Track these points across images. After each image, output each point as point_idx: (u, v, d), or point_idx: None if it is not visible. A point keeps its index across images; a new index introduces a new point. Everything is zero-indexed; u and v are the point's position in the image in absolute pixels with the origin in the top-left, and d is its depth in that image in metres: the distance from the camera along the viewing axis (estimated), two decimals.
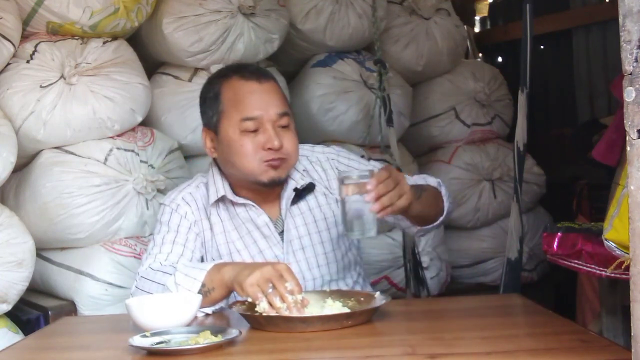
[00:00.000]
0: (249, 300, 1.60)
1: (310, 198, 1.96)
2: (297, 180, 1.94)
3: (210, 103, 1.91)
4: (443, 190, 1.95)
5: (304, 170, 1.97)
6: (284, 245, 1.92)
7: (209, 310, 1.72)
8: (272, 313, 1.54)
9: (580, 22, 4.32)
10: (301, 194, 1.94)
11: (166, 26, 2.73)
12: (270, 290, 1.56)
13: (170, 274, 1.74)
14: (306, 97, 3.12)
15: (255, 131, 1.83)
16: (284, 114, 1.86)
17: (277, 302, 1.54)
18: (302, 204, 1.95)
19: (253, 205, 1.91)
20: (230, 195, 1.91)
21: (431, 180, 1.96)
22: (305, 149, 2.03)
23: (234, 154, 1.85)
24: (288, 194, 1.92)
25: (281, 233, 1.93)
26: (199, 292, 1.67)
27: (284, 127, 1.87)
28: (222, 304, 1.74)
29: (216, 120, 1.89)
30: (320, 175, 1.99)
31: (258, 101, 1.85)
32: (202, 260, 1.92)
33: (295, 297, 1.55)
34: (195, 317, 1.63)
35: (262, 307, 1.55)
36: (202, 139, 1.95)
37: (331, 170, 2.00)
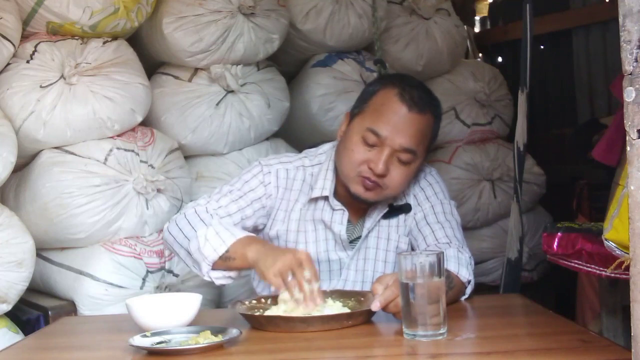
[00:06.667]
0: (253, 300, 1.63)
1: (394, 216, 1.93)
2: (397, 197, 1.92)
3: (364, 96, 1.90)
4: (469, 290, 1.78)
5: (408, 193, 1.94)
6: (352, 250, 1.91)
7: (223, 280, 1.73)
8: (283, 309, 1.57)
9: (580, 22, 4.31)
10: (396, 211, 1.92)
11: (166, 26, 2.73)
12: (290, 278, 1.58)
13: (206, 225, 1.75)
14: (306, 97, 3.11)
15: (372, 146, 1.80)
16: (408, 151, 1.80)
17: (296, 292, 1.57)
18: (384, 219, 1.93)
19: (342, 209, 1.90)
20: (331, 199, 1.90)
21: (464, 273, 1.75)
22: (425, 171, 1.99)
23: (344, 150, 1.84)
24: (382, 206, 1.91)
25: (357, 239, 1.92)
26: (222, 255, 1.69)
27: (403, 162, 1.81)
28: (232, 275, 1.74)
29: (356, 113, 1.88)
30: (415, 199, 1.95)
31: (394, 124, 1.79)
32: (254, 230, 1.91)
33: (311, 286, 1.57)
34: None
35: (283, 298, 1.58)
36: (341, 120, 1.96)
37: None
